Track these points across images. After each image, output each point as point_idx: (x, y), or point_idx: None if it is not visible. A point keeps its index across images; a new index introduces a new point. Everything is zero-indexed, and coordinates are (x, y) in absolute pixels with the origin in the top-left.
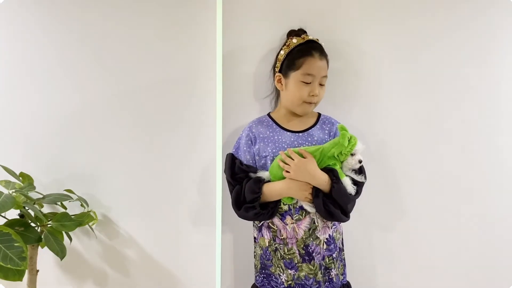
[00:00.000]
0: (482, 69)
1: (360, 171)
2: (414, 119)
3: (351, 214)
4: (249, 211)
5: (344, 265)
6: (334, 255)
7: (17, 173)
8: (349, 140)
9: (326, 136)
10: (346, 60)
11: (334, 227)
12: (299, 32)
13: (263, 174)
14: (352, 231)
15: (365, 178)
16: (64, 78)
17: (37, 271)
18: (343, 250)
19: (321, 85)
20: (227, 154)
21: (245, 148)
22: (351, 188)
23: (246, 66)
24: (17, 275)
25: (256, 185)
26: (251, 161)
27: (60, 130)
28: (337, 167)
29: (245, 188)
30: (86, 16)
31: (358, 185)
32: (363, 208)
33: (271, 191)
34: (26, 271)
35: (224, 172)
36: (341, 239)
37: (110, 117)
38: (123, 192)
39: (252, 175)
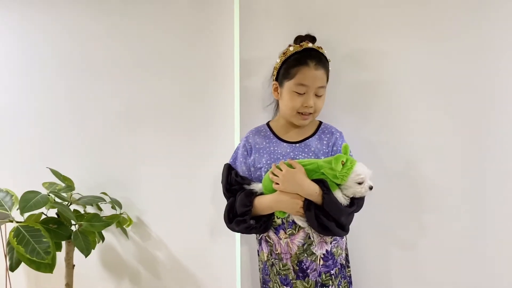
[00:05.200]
0: None
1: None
2: (438, 128)
3: (367, 230)
4: (240, 225)
5: (350, 283)
6: (332, 272)
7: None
8: (344, 163)
9: (324, 147)
10: (366, 67)
11: (334, 242)
12: (306, 38)
13: (256, 186)
14: (366, 248)
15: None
16: (101, 92)
17: (73, 265)
18: (347, 267)
19: (317, 96)
20: (225, 165)
21: (241, 159)
22: (343, 200)
23: (263, 74)
24: (48, 268)
25: (247, 198)
26: (247, 173)
27: (104, 138)
28: (329, 180)
29: (237, 201)
30: (109, 32)
31: (357, 197)
32: (380, 223)
33: (262, 204)
34: (64, 265)
35: (221, 183)
36: (343, 255)
37: (146, 126)
38: (154, 198)
39: (246, 187)
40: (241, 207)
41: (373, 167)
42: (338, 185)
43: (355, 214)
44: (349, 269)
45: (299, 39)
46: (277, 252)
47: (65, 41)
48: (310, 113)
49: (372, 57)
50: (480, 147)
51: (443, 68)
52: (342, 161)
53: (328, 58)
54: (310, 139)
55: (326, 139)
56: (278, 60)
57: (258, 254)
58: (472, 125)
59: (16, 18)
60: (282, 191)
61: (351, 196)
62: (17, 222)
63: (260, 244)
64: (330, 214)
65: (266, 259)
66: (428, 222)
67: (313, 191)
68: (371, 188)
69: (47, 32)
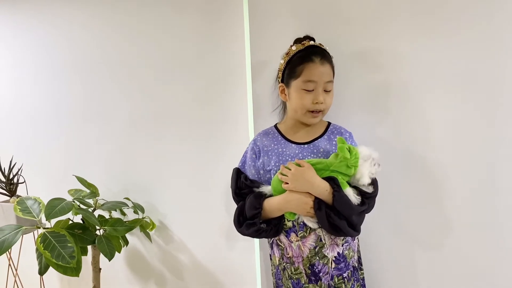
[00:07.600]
0: None
1: (371, 182)
2: (454, 124)
3: (381, 231)
4: (250, 228)
5: (363, 286)
6: (345, 275)
7: (91, 182)
8: (349, 151)
9: (333, 147)
10: (377, 66)
11: (346, 244)
12: (305, 39)
13: (266, 189)
14: (381, 249)
15: (377, 189)
16: (121, 101)
17: (100, 269)
18: (360, 269)
19: (326, 91)
20: (234, 169)
21: (250, 163)
22: (354, 199)
23: (274, 78)
24: (74, 272)
25: (256, 201)
26: (256, 176)
27: (126, 146)
28: (339, 177)
29: (246, 203)
30: (127, 43)
31: (368, 197)
32: (395, 224)
33: (271, 206)
34: (91, 269)
35: (230, 187)
36: (356, 257)
37: (165, 132)
38: (176, 202)
39: (256, 190)
40: (251, 209)
41: (389, 166)
42: (349, 183)
43: (368, 215)
44: (362, 271)
45: (298, 41)
46: (288, 256)
47: (87, 51)
48: (321, 111)
49: (384, 55)
50: (499, 141)
51: (456, 64)
52: (347, 148)
53: (331, 55)
54: (319, 139)
55: (335, 139)
56: (282, 61)
57: (271, 259)
58: (489, 120)
59: (45, 31)
60: (292, 190)
61: (369, 181)
62: (44, 228)
63: (271, 248)
64: (341, 213)
65: (278, 263)
66: (445, 221)
67: (324, 189)
68: (378, 165)
69: (70, 41)
